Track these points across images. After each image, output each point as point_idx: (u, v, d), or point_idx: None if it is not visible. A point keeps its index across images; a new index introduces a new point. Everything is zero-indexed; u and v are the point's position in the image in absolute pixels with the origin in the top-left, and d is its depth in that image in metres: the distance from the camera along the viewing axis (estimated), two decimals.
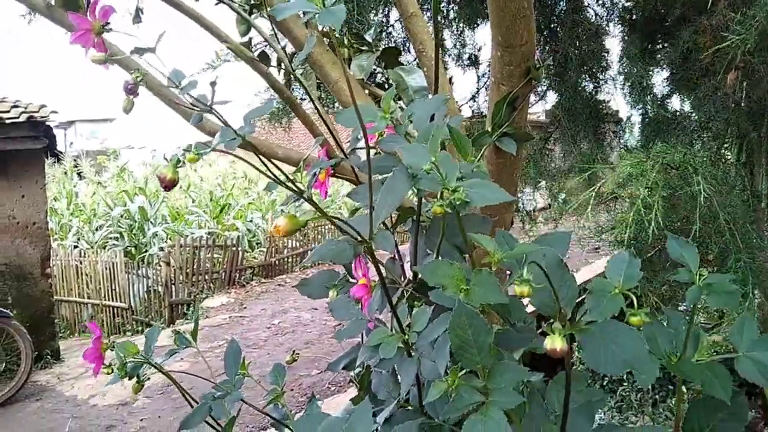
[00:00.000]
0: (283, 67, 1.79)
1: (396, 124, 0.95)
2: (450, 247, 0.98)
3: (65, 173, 13.41)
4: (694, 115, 3.05)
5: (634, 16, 3.42)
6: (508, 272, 0.84)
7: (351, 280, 1.15)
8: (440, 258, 0.99)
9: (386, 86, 2.08)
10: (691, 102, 3.08)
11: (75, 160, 14.79)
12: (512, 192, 1.41)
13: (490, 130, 1.22)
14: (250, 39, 1.59)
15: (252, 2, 1.53)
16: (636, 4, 3.17)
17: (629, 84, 3.30)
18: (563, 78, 3.25)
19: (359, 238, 0.75)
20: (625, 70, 3.34)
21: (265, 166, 1.21)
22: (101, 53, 1.05)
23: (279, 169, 1.18)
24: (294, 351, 1.43)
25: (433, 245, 1.00)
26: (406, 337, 0.90)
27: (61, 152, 15.50)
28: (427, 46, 1.53)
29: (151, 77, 1.43)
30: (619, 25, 3.25)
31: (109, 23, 1.02)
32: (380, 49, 2.13)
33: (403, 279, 1.04)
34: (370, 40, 2.20)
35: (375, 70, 2.07)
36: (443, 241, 0.98)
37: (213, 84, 1.08)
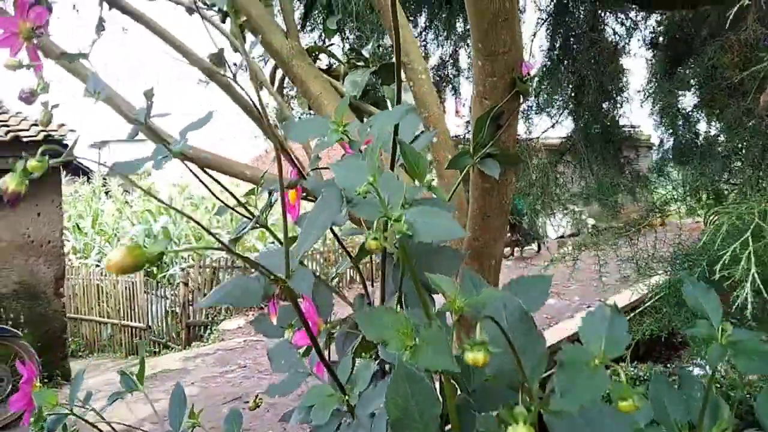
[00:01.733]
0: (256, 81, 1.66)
1: (351, 140, 0.81)
2: (415, 287, 0.83)
3: (93, 192, 13.62)
4: (724, 139, 2.85)
5: (659, 36, 3.25)
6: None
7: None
8: (402, 300, 0.84)
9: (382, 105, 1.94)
10: (720, 126, 2.87)
11: (104, 179, 15.02)
12: (501, 221, 1.24)
13: (471, 150, 1.07)
14: (221, 50, 1.48)
15: (222, 8, 1.42)
16: (660, 23, 2.99)
17: (657, 107, 3.12)
18: (580, 101, 3.08)
19: (272, 276, 0.60)
20: (652, 92, 3.15)
21: (220, 185, 1.08)
22: (14, 59, 0.93)
23: (229, 191, 1.05)
24: (258, 396, 1.27)
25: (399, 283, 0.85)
26: (347, 398, 0.75)
27: (91, 171, 15.81)
28: (415, 60, 1.39)
29: (110, 89, 1.32)
30: (643, 45, 3.07)
31: (40, 27, 0.90)
32: (379, 64, 2.00)
33: None
34: (368, 56, 2.07)
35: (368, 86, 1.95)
36: (405, 278, 0.82)
37: (149, 95, 0.95)
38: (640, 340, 2.51)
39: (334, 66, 2.10)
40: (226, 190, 1.03)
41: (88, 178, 15.19)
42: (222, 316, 8.55)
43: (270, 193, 1.08)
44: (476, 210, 1.20)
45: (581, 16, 3.41)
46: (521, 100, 1.07)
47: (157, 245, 0.44)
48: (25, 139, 4.98)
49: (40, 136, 5.06)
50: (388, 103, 1.95)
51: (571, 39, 3.50)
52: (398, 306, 0.81)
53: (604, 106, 2.94)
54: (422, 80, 1.38)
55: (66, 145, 4.55)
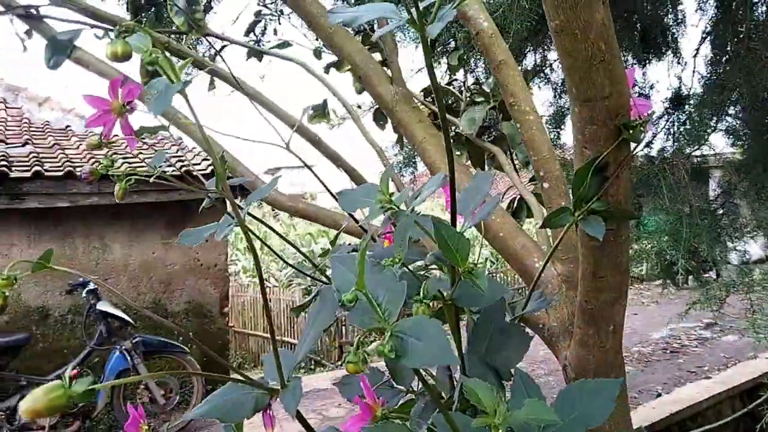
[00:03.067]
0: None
1: (396, 210, 0.74)
2: (482, 368, 0.73)
3: (263, 215, 14.82)
4: None
5: None
6: None
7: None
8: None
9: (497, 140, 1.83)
10: None
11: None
12: (618, 281, 1.08)
13: (571, 206, 0.94)
14: (325, 101, 1.48)
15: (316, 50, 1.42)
16: None
17: None
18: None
19: (266, 385, 0.55)
20: None
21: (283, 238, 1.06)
22: (95, 138, 0.99)
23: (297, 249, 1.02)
24: None
25: (475, 360, 0.75)
26: None
27: None
28: (521, 99, 1.28)
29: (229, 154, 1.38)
30: None
31: (131, 102, 0.95)
32: (500, 99, 1.90)
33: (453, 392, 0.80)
34: (488, 90, 1.98)
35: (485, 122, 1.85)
36: (472, 356, 0.73)
37: (222, 161, 0.96)
38: None
39: (454, 103, 2.03)
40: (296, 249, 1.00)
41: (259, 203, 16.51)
42: (373, 337, 8.74)
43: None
44: (586, 269, 1.06)
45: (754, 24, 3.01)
46: (631, 149, 0.92)
47: (81, 385, 0.41)
48: (198, 173, 5.49)
49: (209, 170, 5.54)
50: (509, 140, 1.83)
51: (740, 49, 3.10)
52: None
53: None
54: (530, 121, 1.27)
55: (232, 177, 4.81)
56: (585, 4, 0.77)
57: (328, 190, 1.06)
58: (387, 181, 0.74)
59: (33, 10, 1.33)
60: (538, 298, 1.02)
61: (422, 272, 0.88)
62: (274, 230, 1.17)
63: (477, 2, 1.29)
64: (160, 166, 0.91)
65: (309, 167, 1.01)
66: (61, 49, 1.33)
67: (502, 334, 0.70)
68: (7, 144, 5.82)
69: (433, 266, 0.85)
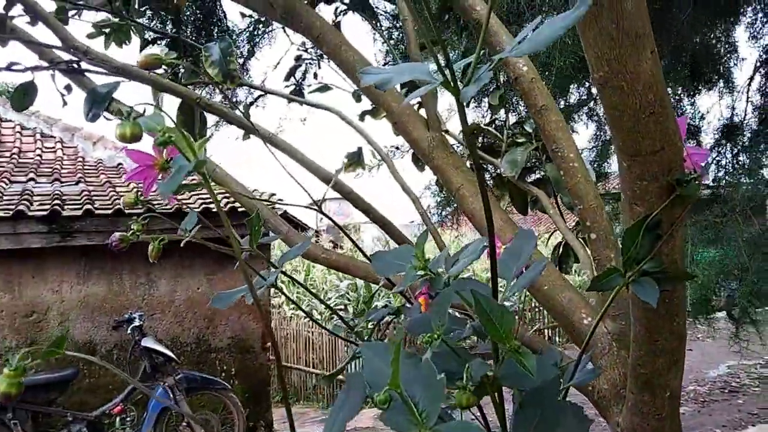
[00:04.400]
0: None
1: (433, 277, 0.69)
2: None
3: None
4: None
5: None
6: None
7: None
8: None
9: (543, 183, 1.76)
10: None
11: (317, 234, 16.37)
12: (675, 345, 0.99)
13: (621, 267, 0.87)
14: (360, 149, 1.45)
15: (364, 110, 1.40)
16: None
17: None
18: None
19: None
20: None
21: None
22: (132, 196, 0.97)
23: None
24: None
25: None
26: None
27: (307, 227, 17.34)
28: (564, 146, 1.22)
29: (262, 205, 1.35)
30: None
31: (173, 158, 0.94)
32: (541, 140, 1.84)
33: None
34: (530, 130, 1.92)
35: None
36: None
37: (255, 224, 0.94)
38: None
39: (495, 143, 1.97)
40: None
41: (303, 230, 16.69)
42: None
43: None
44: (639, 332, 0.98)
45: None
46: (686, 205, 0.84)
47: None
48: (241, 210, 5.53)
49: (227, 207, 5.53)
50: (553, 183, 1.76)
51: None
52: None
53: None
54: (575, 168, 1.20)
55: (287, 216, 4.88)
56: (631, 55, 0.72)
57: (360, 249, 1.02)
58: (422, 246, 0.69)
59: (74, 65, 1.36)
60: (586, 364, 0.95)
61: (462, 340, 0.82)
62: (297, 281, 1.13)
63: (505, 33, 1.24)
64: (190, 229, 0.89)
65: (341, 228, 0.98)
66: (99, 102, 1.34)
67: (554, 417, 0.63)
68: (61, 182, 6.04)
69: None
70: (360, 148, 1.55)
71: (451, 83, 0.52)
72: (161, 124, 0.49)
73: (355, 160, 1.54)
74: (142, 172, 0.95)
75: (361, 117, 1.52)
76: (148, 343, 4.67)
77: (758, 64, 3.19)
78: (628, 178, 0.84)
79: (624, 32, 0.70)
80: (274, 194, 6.44)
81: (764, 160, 3.23)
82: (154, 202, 5.34)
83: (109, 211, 5.09)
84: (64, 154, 7.37)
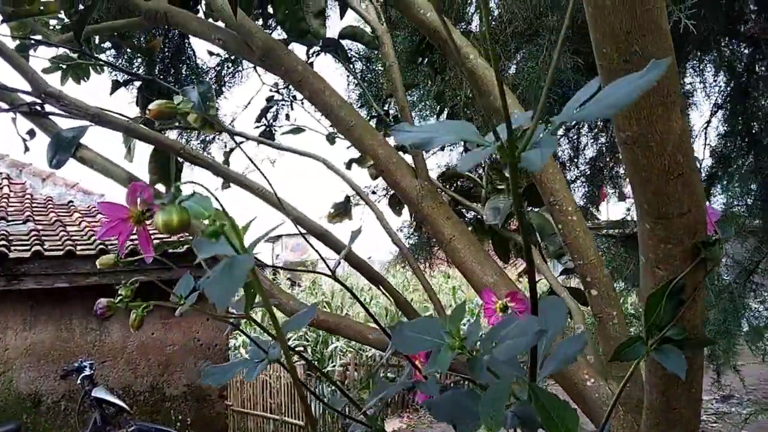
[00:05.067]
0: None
1: (471, 354, 0.62)
2: None
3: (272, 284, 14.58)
4: None
5: None
6: None
7: None
8: None
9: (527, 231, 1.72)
10: None
11: (273, 273, 16.05)
12: (692, 413, 0.94)
13: (644, 334, 0.82)
14: (348, 198, 1.39)
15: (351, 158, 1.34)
16: None
17: None
18: None
19: None
20: None
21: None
22: (109, 258, 0.88)
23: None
24: None
25: None
26: None
27: (264, 264, 17.05)
28: (562, 198, 1.18)
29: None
30: None
31: (151, 209, 0.85)
32: (526, 184, 1.80)
33: None
34: (508, 175, 1.87)
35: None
36: None
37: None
38: None
39: (472, 188, 1.93)
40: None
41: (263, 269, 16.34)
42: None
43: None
44: (657, 400, 0.92)
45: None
46: (710, 268, 0.80)
47: None
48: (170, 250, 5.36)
49: (185, 248, 5.38)
50: (538, 231, 1.72)
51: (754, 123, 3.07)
52: None
53: None
54: (573, 222, 1.16)
55: None
56: (662, 114, 0.68)
57: (372, 316, 0.94)
58: (459, 322, 0.63)
59: (38, 107, 1.25)
60: None
61: None
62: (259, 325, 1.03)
63: (512, 99, 1.21)
64: (185, 296, 0.80)
65: (351, 292, 0.89)
66: (65, 148, 1.24)
67: None
68: (8, 221, 5.74)
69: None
70: (347, 198, 1.49)
71: (508, 149, 0.45)
72: (210, 209, 0.41)
73: (341, 210, 1.47)
74: (115, 227, 0.86)
75: (348, 165, 1.47)
76: (99, 393, 4.40)
77: (714, 108, 3.29)
78: (650, 241, 0.79)
79: (655, 90, 0.67)
80: None
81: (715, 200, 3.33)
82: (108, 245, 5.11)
83: (60, 253, 4.84)
84: (11, 191, 7.04)
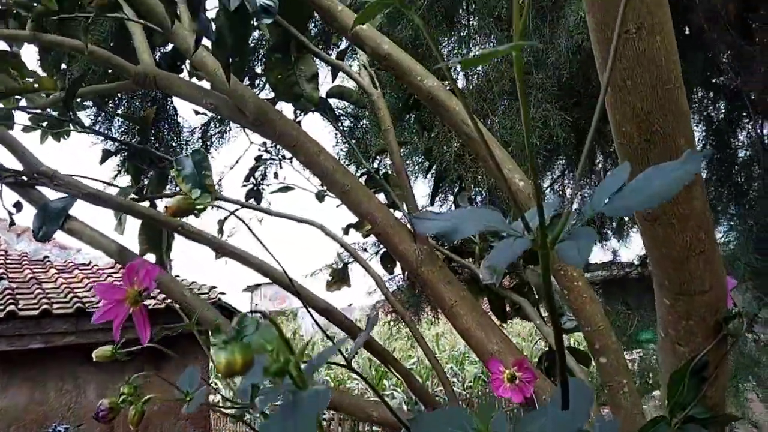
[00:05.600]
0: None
1: None
2: None
3: None
4: None
5: None
6: None
7: None
8: None
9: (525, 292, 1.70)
10: None
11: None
12: None
13: (667, 414, 0.79)
14: (345, 265, 1.36)
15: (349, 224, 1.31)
16: None
17: None
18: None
19: None
20: None
21: None
22: (108, 350, 0.83)
23: None
24: None
25: None
26: None
27: (238, 313, 16.83)
28: (568, 265, 1.16)
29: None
30: None
31: (148, 288, 0.81)
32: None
33: None
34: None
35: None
36: None
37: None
38: None
39: (463, 245, 1.92)
40: None
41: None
42: None
43: None
44: None
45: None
46: (732, 344, 0.78)
47: None
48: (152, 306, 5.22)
49: (164, 305, 5.21)
50: (535, 290, 1.70)
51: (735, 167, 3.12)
52: None
53: None
54: (579, 288, 1.14)
55: (221, 306, 4.64)
56: (683, 193, 0.67)
57: (381, 398, 0.90)
58: (488, 417, 0.59)
59: (23, 178, 1.21)
60: None
61: None
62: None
63: (509, 161, 1.21)
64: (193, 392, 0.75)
65: (355, 373, 0.86)
66: (53, 219, 1.20)
67: None
68: None
69: None
70: (345, 266, 1.46)
71: (540, 239, 0.43)
72: (273, 341, 0.37)
73: (339, 278, 1.44)
74: (111, 310, 0.81)
75: (346, 231, 1.44)
76: None
77: (703, 142, 3.35)
78: (670, 317, 0.77)
79: None
80: (214, 287, 6.18)
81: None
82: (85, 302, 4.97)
83: (35, 312, 4.69)
84: None
